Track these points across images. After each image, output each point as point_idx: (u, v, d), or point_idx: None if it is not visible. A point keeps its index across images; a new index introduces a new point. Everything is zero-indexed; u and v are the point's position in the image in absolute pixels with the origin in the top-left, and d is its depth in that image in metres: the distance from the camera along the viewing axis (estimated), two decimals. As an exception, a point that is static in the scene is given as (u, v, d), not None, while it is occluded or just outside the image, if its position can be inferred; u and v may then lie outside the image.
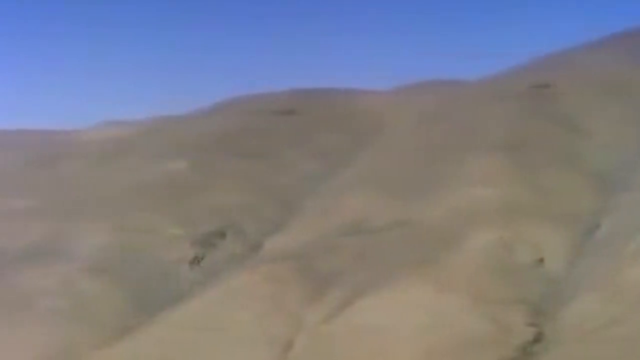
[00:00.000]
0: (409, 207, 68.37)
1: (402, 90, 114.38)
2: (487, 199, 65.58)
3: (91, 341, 58.01)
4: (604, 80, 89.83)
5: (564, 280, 54.43)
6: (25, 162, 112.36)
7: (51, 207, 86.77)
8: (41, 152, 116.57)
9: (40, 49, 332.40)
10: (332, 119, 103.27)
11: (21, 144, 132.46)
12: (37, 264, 71.29)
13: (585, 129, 79.36)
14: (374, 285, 53.74)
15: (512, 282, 53.17)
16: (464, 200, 66.47)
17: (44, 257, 73.06)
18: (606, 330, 46.42)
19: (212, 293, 60.52)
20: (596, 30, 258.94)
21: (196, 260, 71.92)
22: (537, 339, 48.60)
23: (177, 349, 54.75)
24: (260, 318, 55.46)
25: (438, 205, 66.88)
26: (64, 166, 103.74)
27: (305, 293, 56.79)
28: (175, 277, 68.84)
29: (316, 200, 79.99)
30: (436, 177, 73.08)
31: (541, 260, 56.57)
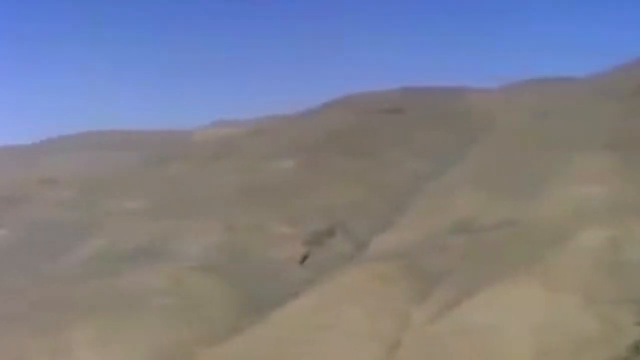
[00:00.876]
0: (517, 205, 67.97)
1: (510, 88, 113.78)
2: (596, 197, 64.85)
3: (201, 340, 58.85)
4: None
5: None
6: (137, 163, 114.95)
7: (162, 207, 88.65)
8: (153, 152, 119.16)
9: (160, 52, 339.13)
10: (440, 117, 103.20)
11: (134, 145, 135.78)
12: (149, 263, 72.97)
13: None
14: (482, 285, 53.48)
15: (622, 281, 52.30)
16: (572, 198, 65.85)
17: (155, 257, 74.78)
18: None
19: (321, 291, 60.95)
20: None
21: (305, 259, 72.65)
22: (649, 338, 47.83)
23: (286, 347, 55.20)
24: (368, 316, 55.62)
25: (547, 204, 66.37)
26: (175, 166, 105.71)
27: (413, 292, 56.82)
28: (285, 276, 69.56)
29: (424, 198, 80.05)
30: (544, 176, 72.49)
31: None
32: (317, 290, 61.51)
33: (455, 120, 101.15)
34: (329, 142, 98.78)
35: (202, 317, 61.90)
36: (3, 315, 66.94)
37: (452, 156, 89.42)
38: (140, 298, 65.00)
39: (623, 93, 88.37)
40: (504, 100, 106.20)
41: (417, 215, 76.03)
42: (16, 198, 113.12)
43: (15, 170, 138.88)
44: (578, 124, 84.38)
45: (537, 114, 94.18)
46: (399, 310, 55.49)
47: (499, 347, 48.39)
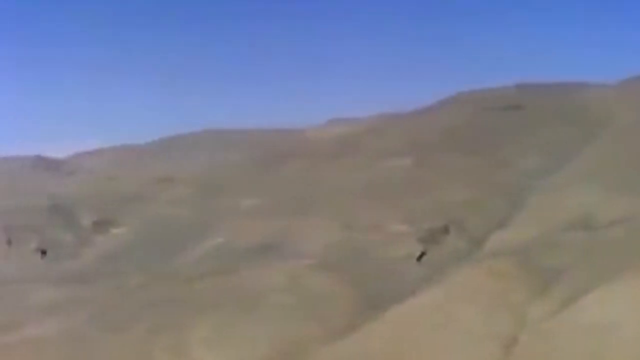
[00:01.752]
0: (634, 201, 67.36)
1: (629, 83, 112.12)
2: None
3: (318, 337, 59.59)
4: None
5: None
6: (254, 161, 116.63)
7: (279, 205, 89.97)
8: (269, 151, 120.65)
9: (273, 52, 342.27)
10: (558, 113, 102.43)
11: (249, 143, 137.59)
12: (266, 260, 74.22)
13: None
14: (600, 282, 53.19)
15: None
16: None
17: (272, 254, 76.05)
18: None
19: (437, 289, 61.22)
20: None
21: (422, 257, 73.07)
22: None
23: (403, 345, 55.62)
24: (485, 313, 55.78)
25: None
26: (290, 164, 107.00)
27: (529, 289, 56.82)
28: (401, 274, 70.00)
29: (540, 195, 79.71)
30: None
31: None
32: (433, 288, 61.75)
33: (573, 116, 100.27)
34: (444, 140, 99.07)
35: (319, 315, 62.69)
36: (123, 313, 69.03)
37: (568, 152, 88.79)
38: (257, 296, 66.17)
39: None
40: (621, 95, 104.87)
41: (533, 212, 75.77)
42: (135, 197, 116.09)
43: (133, 170, 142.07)
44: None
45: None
46: (516, 307, 55.53)
47: (616, 345, 48.14)
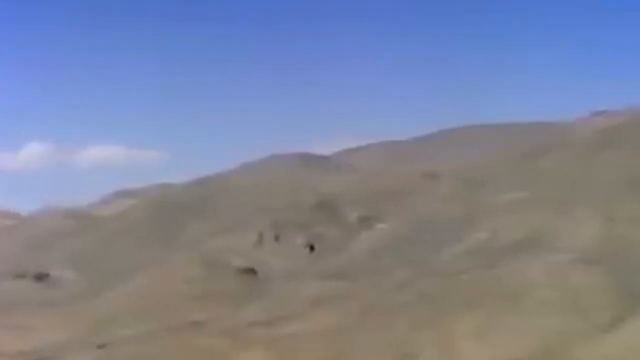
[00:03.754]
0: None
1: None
2: None
3: (582, 332, 59.28)
4: None
5: None
6: (514, 155, 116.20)
7: (541, 199, 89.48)
8: (529, 144, 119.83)
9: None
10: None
11: (509, 137, 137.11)
12: (528, 255, 74.11)
13: None
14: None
15: None
16: None
17: (534, 249, 75.84)
18: None
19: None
20: None
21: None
22: None
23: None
24: None
25: None
26: (551, 157, 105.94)
27: None
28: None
29: None
30: None
31: None
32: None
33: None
34: None
35: (582, 310, 62.20)
36: (389, 307, 70.85)
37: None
38: (520, 290, 66.28)
39: None
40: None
41: None
42: (398, 192, 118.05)
43: (398, 165, 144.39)
44: None
45: None
46: None
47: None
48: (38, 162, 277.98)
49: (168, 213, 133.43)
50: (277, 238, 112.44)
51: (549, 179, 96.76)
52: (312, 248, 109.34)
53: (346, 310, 73.07)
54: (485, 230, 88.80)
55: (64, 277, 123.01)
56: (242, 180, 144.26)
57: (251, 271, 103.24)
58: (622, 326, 58.25)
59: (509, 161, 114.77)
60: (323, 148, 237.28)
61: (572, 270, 67.92)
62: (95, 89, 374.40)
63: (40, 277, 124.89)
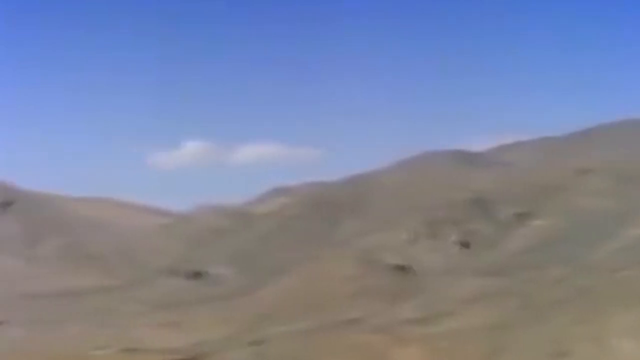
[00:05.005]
0: None
1: None
2: None
3: None
4: None
5: None
6: None
7: None
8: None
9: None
10: None
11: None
12: None
13: None
14: None
15: None
16: None
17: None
18: None
19: None
20: None
21: None
22: None
23: None
24: None
25: None
26: None
27: None
28: None
29: None
30: None
31: None
32: None
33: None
34: None
35: None
36: (546, 303, 70.72)
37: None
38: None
39: None
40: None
41: None
42: (552, 188, 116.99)
43: (553, 161, 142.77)
44: None
45: None
46: None
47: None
48: (195, 161, 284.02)
49: (323, 211, 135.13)
50: (431, 235, 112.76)
51: None
52: (465, 245, 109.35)
53: (502, 307, 73.22)
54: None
55: (220, 275, 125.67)
56: (396, 177, 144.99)
57: (405, 268, 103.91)
58: None
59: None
60: (477, 145, 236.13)
61: None
62: (254, 87, 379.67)
63: (196, 275, 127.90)
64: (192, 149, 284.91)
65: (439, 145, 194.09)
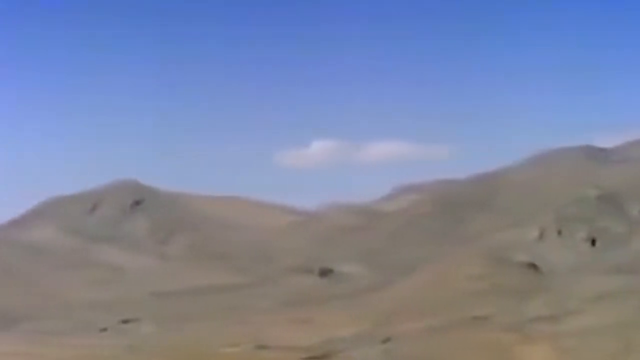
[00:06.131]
0: None
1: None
2: None
3: None
4: None
5: None
6: None
7: None
8: None
9: None
10: None
11: None
12: None
13: None
14: None
15: None
16: None
17: None
18: None
19: None
20: None
21: None
22: None
23: None
24: None
25: None
26: None
27: None
28: None
29: None
30: None
31: None
32: None
33: None
34: None
35: None
36: None
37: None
38: None
39: None
40: None
41: None
42: None
43: None
44: None
45: None
46: None
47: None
48: (323, 159, 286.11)
49: (451, 208, 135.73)
50: (559, 232, 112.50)
51: None
52: (594, 242, 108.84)
53: (630, 305, 73.15)
54: None
55: (349, 272, 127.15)
56: (525, 174, 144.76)
57: (534, 266, 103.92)
58: None
59: None
60: (606, 141, 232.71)
61: None
62: (382, 85, 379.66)
63: (325, 273, 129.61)
64: (320, 147, 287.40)
65: (568, 142, 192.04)
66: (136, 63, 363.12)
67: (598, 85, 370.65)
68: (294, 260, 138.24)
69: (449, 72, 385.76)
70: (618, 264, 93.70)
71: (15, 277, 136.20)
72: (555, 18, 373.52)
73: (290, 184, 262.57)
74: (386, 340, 79.75)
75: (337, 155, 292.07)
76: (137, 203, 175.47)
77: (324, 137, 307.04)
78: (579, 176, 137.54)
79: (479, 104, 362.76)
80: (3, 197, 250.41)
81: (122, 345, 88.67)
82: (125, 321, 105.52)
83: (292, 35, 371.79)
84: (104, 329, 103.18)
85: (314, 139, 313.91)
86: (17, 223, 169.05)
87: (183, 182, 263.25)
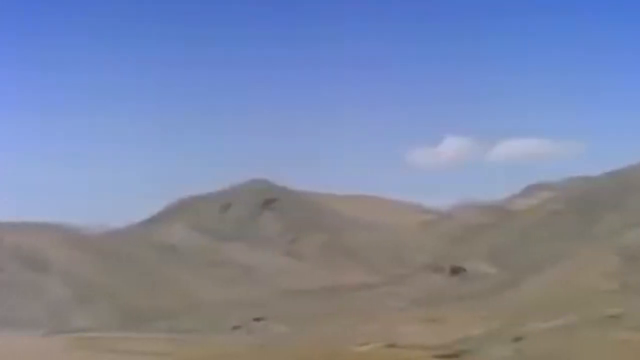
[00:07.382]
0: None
1: None
2: None
3: None
4: None
5: None
6: None
7: None
8: None
9: None
10: None
11: None
12: None
13: None
14: None
15: None
16: None
17: None
18: None
19: None
20: None
21: None
22: None
23: None
24: None
25: None
26: None
27: None
28: None
29: None
30: None
31: None
32: None
33: None
34: None
35: None
36: None
37: None
38: None
39: None
40: None
41: None
42: None
43: None
44: None
45: None
46: None
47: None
48: (455, 157, 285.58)
49: (584, 206, 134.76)
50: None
51: None
52: None
53: None
54: None
55: (480, 271, 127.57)
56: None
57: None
58: None
59: None
60: None
61: None
62: (514, 82, 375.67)
63: (456, 271, 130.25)
64: (452, 145, 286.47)
65: None
66: (271, 59, 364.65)
67: None
68: (425, 259, 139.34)
69: (583, 64, 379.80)
70: None
71: (149, 276, 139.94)
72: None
73: (422, 182, 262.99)
74: (517, 339, 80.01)
75: (469, 153, 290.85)
76: (269, 202, 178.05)
77: (456, 135, 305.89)
78: None
79: (614, 98, 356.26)
80: (138, 197, 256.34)
81: (254, 343, 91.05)
82: (257, 319, 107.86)
83: (429, 30, 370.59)
84: (237, 327, 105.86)
85: (446, 137, 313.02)
86: (151, 222, 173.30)
87: (314, 181, 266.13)
